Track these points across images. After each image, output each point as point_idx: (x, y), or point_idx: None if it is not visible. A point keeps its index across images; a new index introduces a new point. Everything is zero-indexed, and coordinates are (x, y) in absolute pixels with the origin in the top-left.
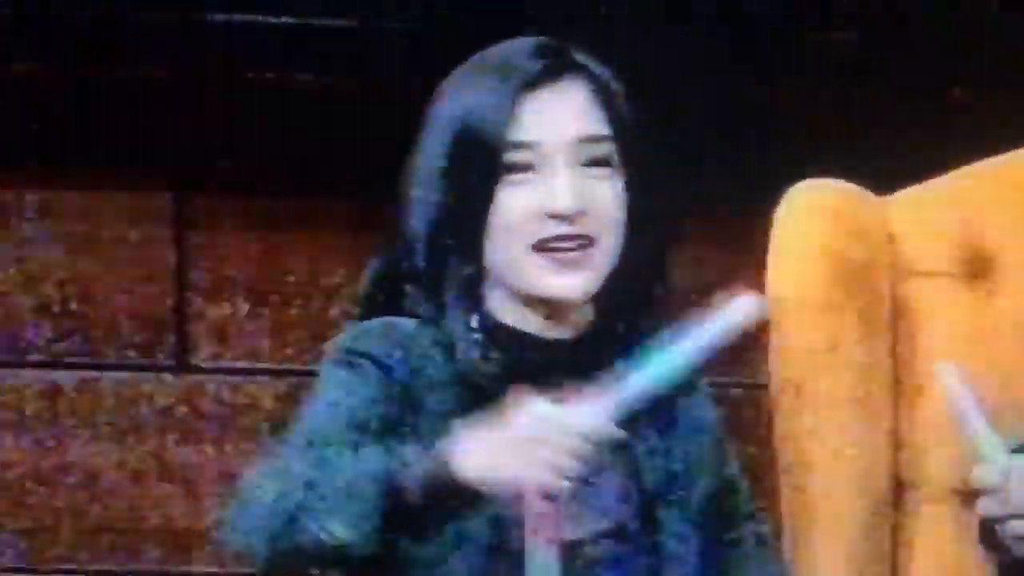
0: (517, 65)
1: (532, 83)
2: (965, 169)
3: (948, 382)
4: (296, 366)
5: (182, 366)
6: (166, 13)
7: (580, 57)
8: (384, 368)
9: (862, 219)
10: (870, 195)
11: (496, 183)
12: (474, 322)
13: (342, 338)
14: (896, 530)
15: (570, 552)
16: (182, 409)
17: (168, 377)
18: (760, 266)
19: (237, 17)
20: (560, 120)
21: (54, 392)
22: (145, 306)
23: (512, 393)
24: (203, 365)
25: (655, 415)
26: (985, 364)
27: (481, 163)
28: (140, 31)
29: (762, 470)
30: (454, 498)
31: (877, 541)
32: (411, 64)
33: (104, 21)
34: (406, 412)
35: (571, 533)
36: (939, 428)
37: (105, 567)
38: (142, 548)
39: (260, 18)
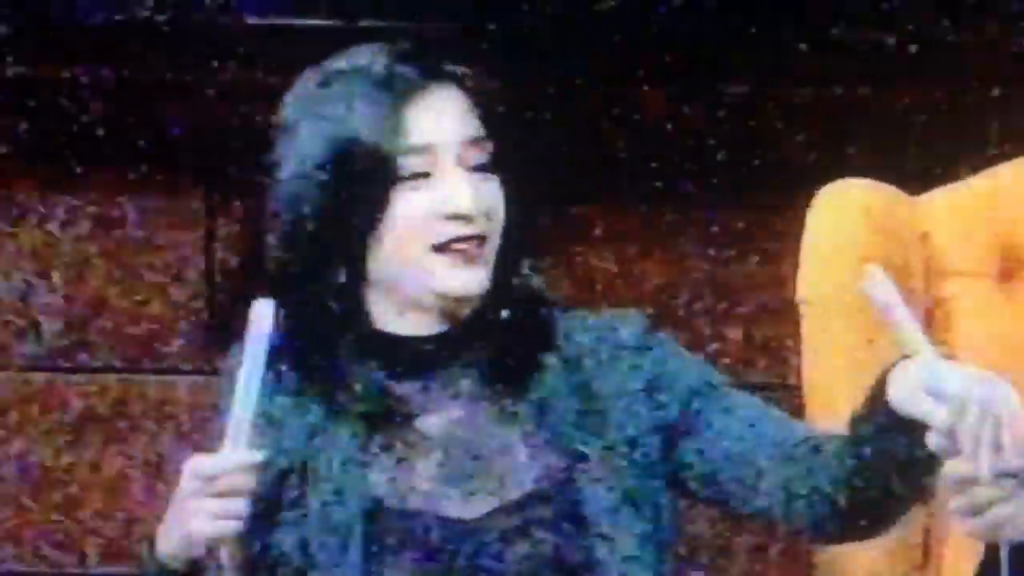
0: (392, 73)
1: (412, 89)
2: (998, 168)
3: (876, 286)
4: None
5: (214, 369)
6: (198, 15)
7: (447, 62)
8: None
9: (895, 219)
10: (903, 195)
11: (391, 189)
12: (353, 338)
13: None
14: (926, 528)
15: (478, 529)
16: (212, 411)
17: (200, 380)
18: (792, 265)
19: (269, 20)
20: (446, 123)
21: (84, 396)
22: (176, 309)
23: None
24: None
25: (566, 367)
26: (1019, 363)
27: (374, 170)
28: (172, 33)
29: None
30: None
31: (908, 536)
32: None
33: (135, 24)
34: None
35: (475, 510)
36: None
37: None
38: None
39: (292, 21)
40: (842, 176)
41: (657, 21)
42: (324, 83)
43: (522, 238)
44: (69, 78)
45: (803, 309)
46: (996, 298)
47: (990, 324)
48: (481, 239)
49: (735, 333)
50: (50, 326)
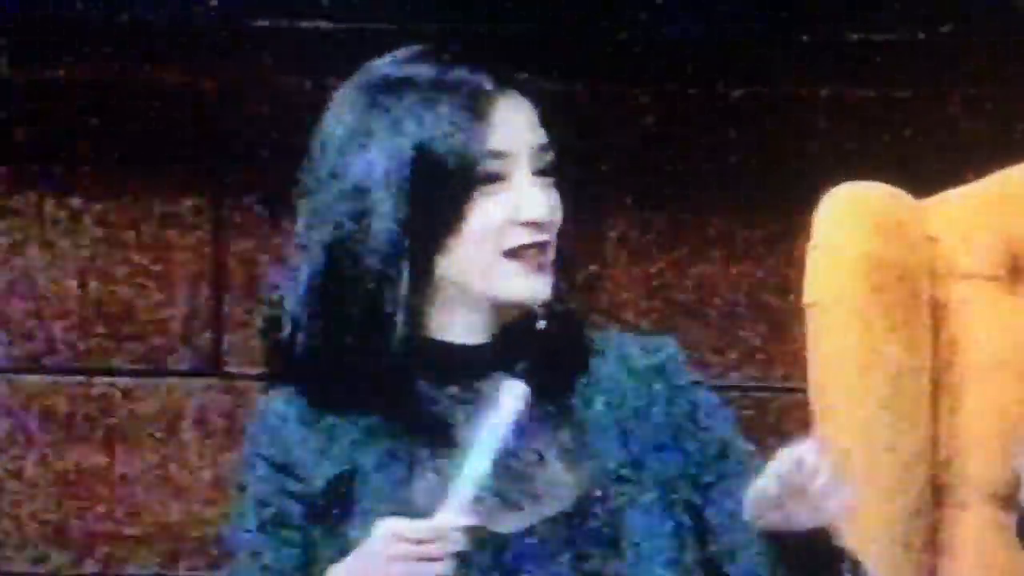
0: (466, 79)
1: (489, 96)
2: (1005, 171)
3: None
4: None
5: (218, 372)
6: (204, 18)
7: (513, 71)
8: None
9: (901, 221)
10: (909, 197)
11: (470, 194)
12: (404, 344)
13: (254, 435)
14: (934, 533)
15: (514, 544)
16: (218, 414)
17: (204, 382)
18: (799, 268)
19: (276, 22)
20: (521, 129)
21: (88, 397)
22: (181, 311)
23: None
24: (239, 371)
25: (601, 388)
26: None
27: (454, 176)
28: (179, 36)
29: None
30: None
31: (916, 544)
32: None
33: (143, 25)
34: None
35: (512, 525)
36: (978, 431)
37: (139, 571)
38: (181, 556)
39: (299, 23)
40: (849, 179)
41: (662, 22)
42: (390, 90)
43: (569, 247)
44: (68, 78)
45: (809, 312)
46: (1004, 300)
47: (998, 326)
48: (547, 247)
49: (741, 335)
50: (50, 328)
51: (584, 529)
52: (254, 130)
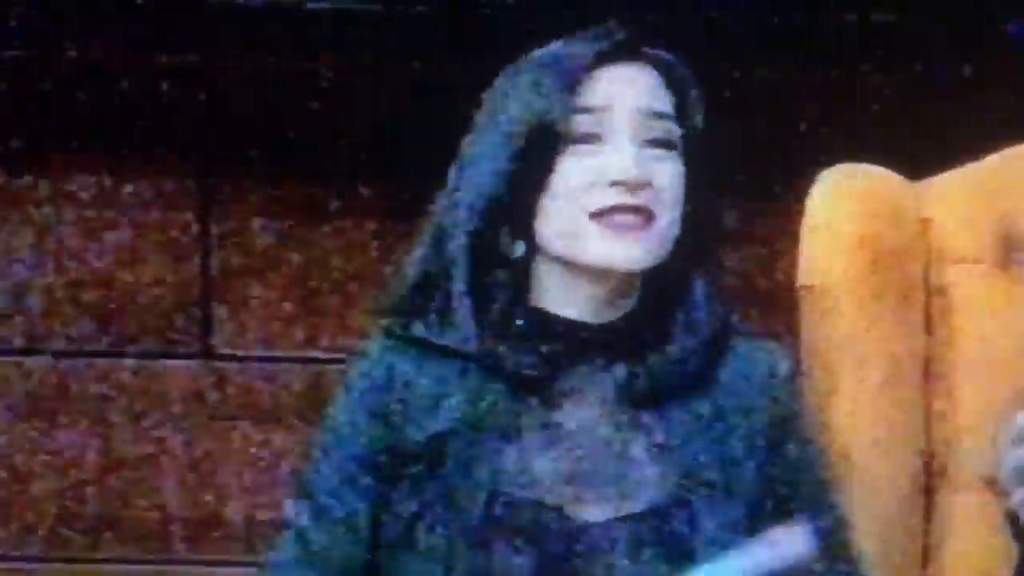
0: (588, 43)
1: (603, 58)
2: (1000, 154)
3: None
4: (322, 354)
5: (207, 353)
6: None
7: (650, 48)
8: (389, 425)
9: (895, 204)
10: (904, 180)
11: (559, 150)
12: (519, 314)
13: (353, 380)
14: (929, 518)
15: (594, 533)
16: (206, 397)
17: (193, 364)
18: (792, 251)
19: (262, 2)
20: (628, 92)
21: (76, 379)
22: (170, 293)
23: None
24: (228, 352)
25: (699, 389)
26: (1020, 349)
27: (546, 130)
28: (165, 16)
29: None
30: None
31: (909, 528)
32: (438, 49)
33: (129, 6)
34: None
35: (598, 514)
36: (973, 414)
37: (127, 555)
38: (164, 536)
39: (286, 3)
40: (842, 161)
41: (655, 6)
42: (517, 70)
43: (708, 233)
44: (52, 59)
45: (803, 295)
46: (998, 284)
47: (991, 310)
48: (645, 213)
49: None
50: (42, 310)
51: (663, 529)
52: (242, 111)
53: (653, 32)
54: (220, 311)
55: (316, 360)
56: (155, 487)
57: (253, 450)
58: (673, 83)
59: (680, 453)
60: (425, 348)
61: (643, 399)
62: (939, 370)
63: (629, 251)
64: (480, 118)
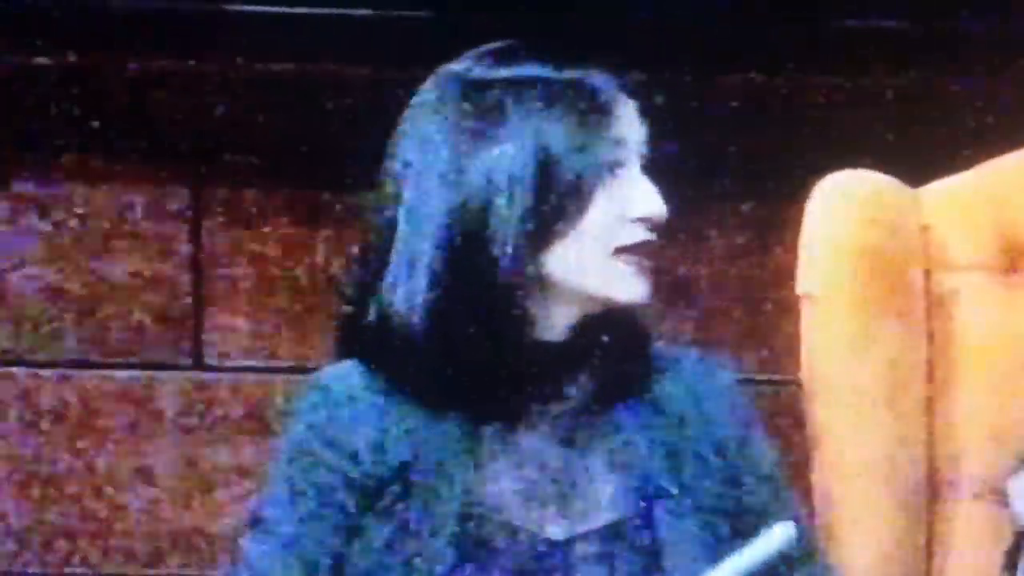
0: (582, 77)
1: (613, 94)
2: (1000, 160)
3: None
4: (314, 363)
5: (199, 363)
6: (183, 3)
7: (616, 69)
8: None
9: (895, 211)
10: (903, 186)
11: (593, 187)
12: (489, 340)
13: (306, 409)
14: (931, 528)
15: (561, 551)
16: (198, 407)
17: (184, 374)
18: (791, 258)
19: (254, 8)
20: (636, 125)
21: (69, 389)
22: (160, 304)
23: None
24: (219, 363)
25: (651, 402)
26: (1021, 356)
27: (578, 170)
28: (158, 22)
29: (793, 468)
30: None
31: (911, 539)
32: (427, 54)
33: (122, 12)
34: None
35: (563, 532)
36: (973, 422)
37: (120, 571)
38: (157, 551)
39: (277, 8)
40: (842, 167)
41: (659, 9)
42: (504, 91)
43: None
44: (45, 65)
45: (802, 303)
46: (998, 291)
47: (991, 317)
48: (654, 246)
49: (735, 324)
50: (30, 320)
51: (626, 543)
52: (235, 118)
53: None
54: (211, 321)
55: (309, 370)
56: (145, 499)
57: (243, 462)
58: (639, 106)
59: (637, 465)
60: (380, 375)
61: (597, 414)
62: (940, 378)
63: (644, 286)
64: (436, 138)
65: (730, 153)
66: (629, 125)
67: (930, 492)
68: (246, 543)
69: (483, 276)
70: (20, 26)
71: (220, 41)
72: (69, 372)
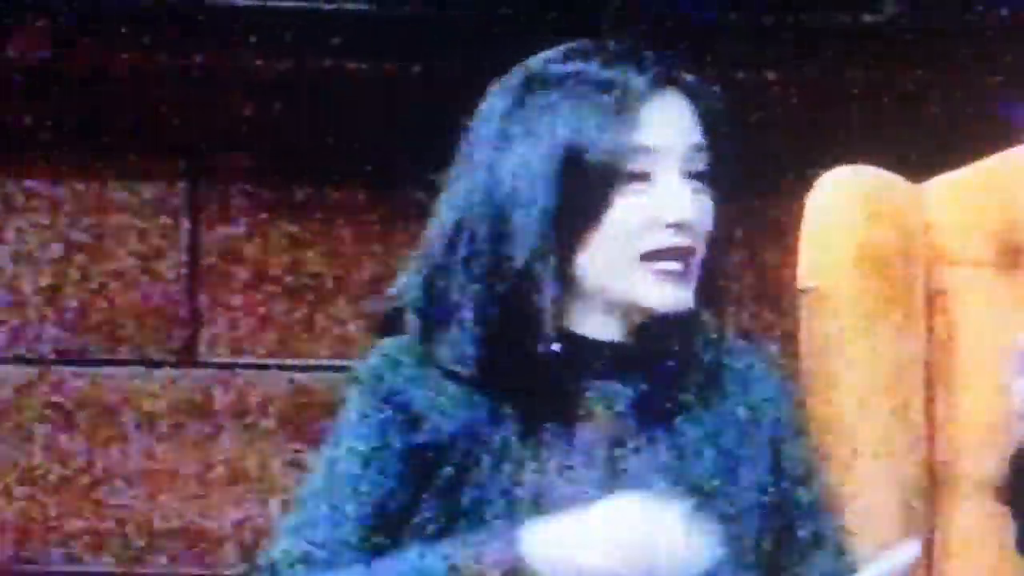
0: (618, 76)
1: (643, 94)
2: (1002, 156)
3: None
4: (310, 360)
5: (193, 360)
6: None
7: (680, 70)
8: (419, 420)
9: (896, 206)
10: (904, 182)
11: (613, 190)
12: (544, 337)
13: (370, 371)
14: (931, 525)
15: None
16: (192, 404)
17: (178, 371)
18: (791, 253)
19: (250, 3)
20: (674, 127)
21: (62, 387)
22: (156, 299)
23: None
24: (214, 360)
25: (705, 405)
26: None
27: (596, 169)
28: (153, 18)
29: None
30: None
31: (909, 533)
32: (426, 50)
33: (118, 8)
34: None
35: None
36: (974, 419)
37: (112, 569)
38: (149, 548)
39: (274, 4)
40: (843, 163)
41: (658, 8)
42: (543, 87)
43: (723, 259)
44: (39, 61)
45: (803, 298)
46: (998, 287)
47: (991, 313)
48: (690, 253)
49: (735, 319)
50: (25, 316)
51: None
52: (229, 113)
53: (682, 57)
54: (207, 318)
55: (303, 368)
56: (139, 497)
57: (237, 460)
58: (703, 111)
59: (688, 473)
60: (434, 369)
61: (652, 416)
62: (940, 373)
63: (677, 293)
64: (487, 130)
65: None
66: (664, 131)
67: (930, 489)
68: (306, 494)
69: (508, 266)
70: (8, 22)
71: (216, 37)
72: (62, 369)
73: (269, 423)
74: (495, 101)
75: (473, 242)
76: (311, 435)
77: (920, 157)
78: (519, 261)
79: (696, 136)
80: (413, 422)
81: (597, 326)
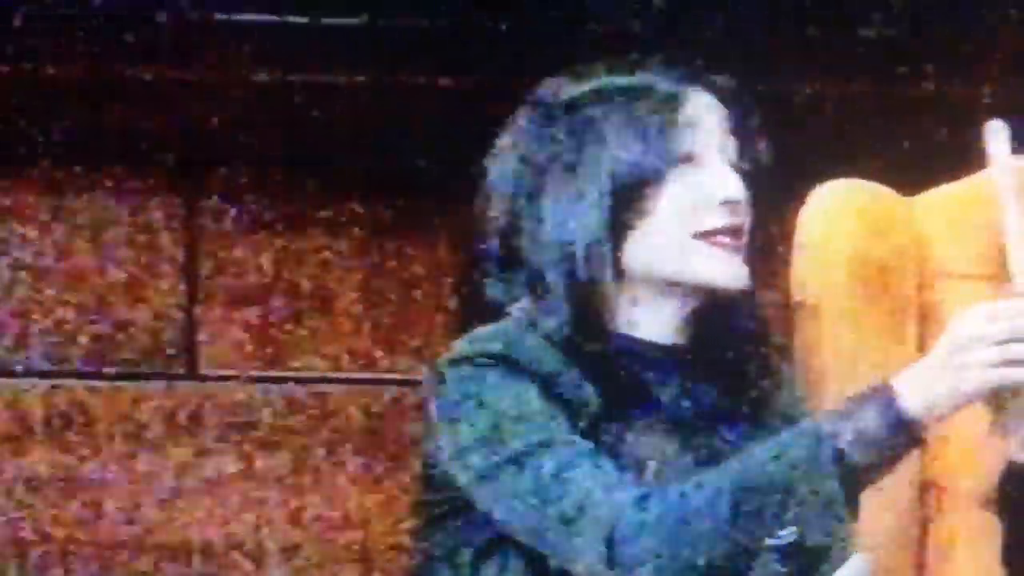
0: (657, 80)
1: (680, 91)
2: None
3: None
4: (305, 373)
5: (191, 373)
6: (174, 12)
7: (704, 72)
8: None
9: (889, 219)
10: (897, 195)
11: (662, 176)
12: (604, 339)
13: (477, 344)
14: (926, 536)
15: None
16: (192, 417)
17: (176, 384)
18: (784, 266)
19: (245, 17)
20: (713, 113)
21: (60, 399)
22: (155, 311)
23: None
24: (211, 373)
25: (742, 411)
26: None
27: (650, 169)
28: (148, 31)
29: None
30: (901, 444)
31: (906, 548)
32: (422, 62)
33: (112, 21)
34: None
35: None
36: (967, 432)
37: None
38: (150, 560)
39: (268, 17)
40: (836, 176)
41: (652, 18)
42: (587, 105)
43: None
44: (38, 74)
45: (797, 311)
46: (992, 300)
47: None
48: (741, 232)
49: None
50: (23, 330)
51: None
52: (227, 128)
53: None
54: (204, 331)
55: (299, 379)
56: (139, 509)
57: (236, 472)
58: (734, 110)
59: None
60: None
61: (712, 420)
62: None
63: (736, 269)
64: (537, 155)
65: None
66: (701, 116)
67: (925, 500)
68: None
69: (571, 274)
70: (9, 35)
71: (211, 51)
72: (61, 382)
73: (264, 436)
74: (530, 127)
75: (553, 265)
76: (308, 449)
77: (912, 170)
78: (584, 272)
79: (727, 125)
80: (549, 376)
81: (651, 326)
